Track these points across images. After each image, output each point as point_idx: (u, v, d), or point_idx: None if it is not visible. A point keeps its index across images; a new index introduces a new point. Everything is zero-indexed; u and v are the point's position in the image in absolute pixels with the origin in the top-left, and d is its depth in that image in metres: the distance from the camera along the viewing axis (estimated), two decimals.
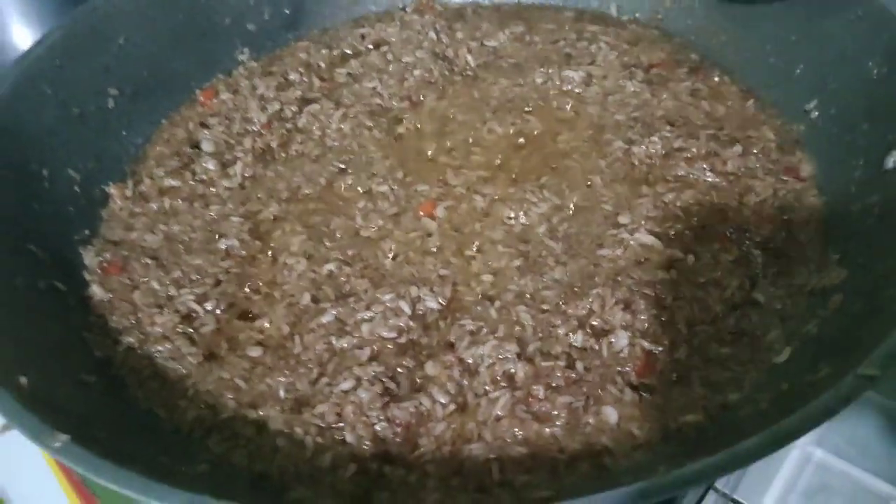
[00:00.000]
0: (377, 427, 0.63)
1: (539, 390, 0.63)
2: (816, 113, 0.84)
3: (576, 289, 0.71)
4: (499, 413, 0.63)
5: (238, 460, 0.63)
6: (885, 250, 0.64)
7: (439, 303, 0.72)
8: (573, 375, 0.65)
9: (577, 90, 0.95)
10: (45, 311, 0.70)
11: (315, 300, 0.74)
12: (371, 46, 1.05)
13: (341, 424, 0.64)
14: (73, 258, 0.78)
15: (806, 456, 0.77)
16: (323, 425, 0.64)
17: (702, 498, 0.71)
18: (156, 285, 0.76)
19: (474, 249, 0.78)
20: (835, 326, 0.62)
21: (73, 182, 0.83)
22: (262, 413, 0.65)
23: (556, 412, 0.63)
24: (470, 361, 0.67)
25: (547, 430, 0.62)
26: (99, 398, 0.65)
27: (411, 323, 0.70)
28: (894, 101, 0.73)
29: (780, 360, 0.64)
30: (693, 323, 0.69)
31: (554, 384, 0.64)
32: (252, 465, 0.63)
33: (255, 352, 0.71)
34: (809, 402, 0.49)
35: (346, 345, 0.69)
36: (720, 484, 0.74)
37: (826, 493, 0.75)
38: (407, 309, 0.71)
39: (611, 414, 0.62)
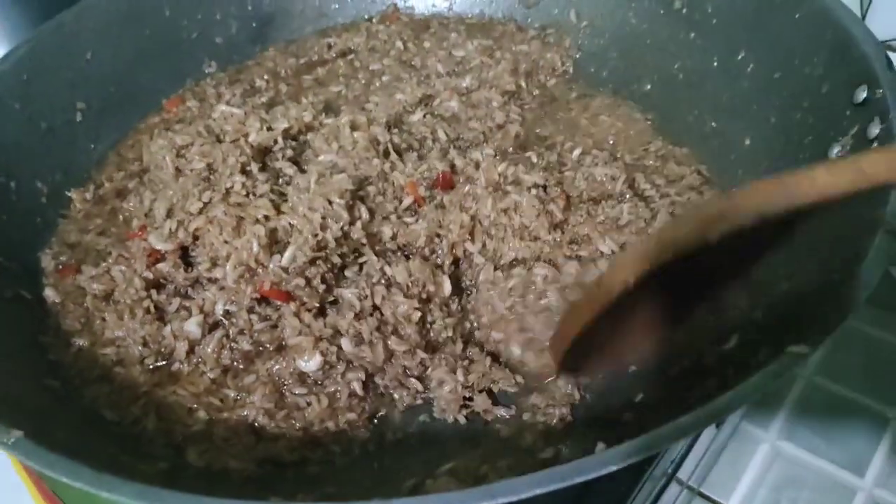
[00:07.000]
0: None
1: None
2: None
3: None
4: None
5: (192, 457, 0.62)
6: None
7: None
8: None
9: None
10: (10, 319, 0.71)
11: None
12: (336, 55, 1.07)
13: None
14: (38, 267, 0.79)
15: (775, 450, 0.76)
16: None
17: (662, 490, 0.70)
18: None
19: None
20: (778, 312, 0.60)
21: (40, 194, 0.85)
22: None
23: None
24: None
25: None
26: (59, 400, 0.66)
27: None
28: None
29: (729, 346, 0.61)
30: None
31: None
32: (210, 464, 0.62)
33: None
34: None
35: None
36: (684, 475, 0.72)
37: (795, 486, 0.73)
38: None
39: None
